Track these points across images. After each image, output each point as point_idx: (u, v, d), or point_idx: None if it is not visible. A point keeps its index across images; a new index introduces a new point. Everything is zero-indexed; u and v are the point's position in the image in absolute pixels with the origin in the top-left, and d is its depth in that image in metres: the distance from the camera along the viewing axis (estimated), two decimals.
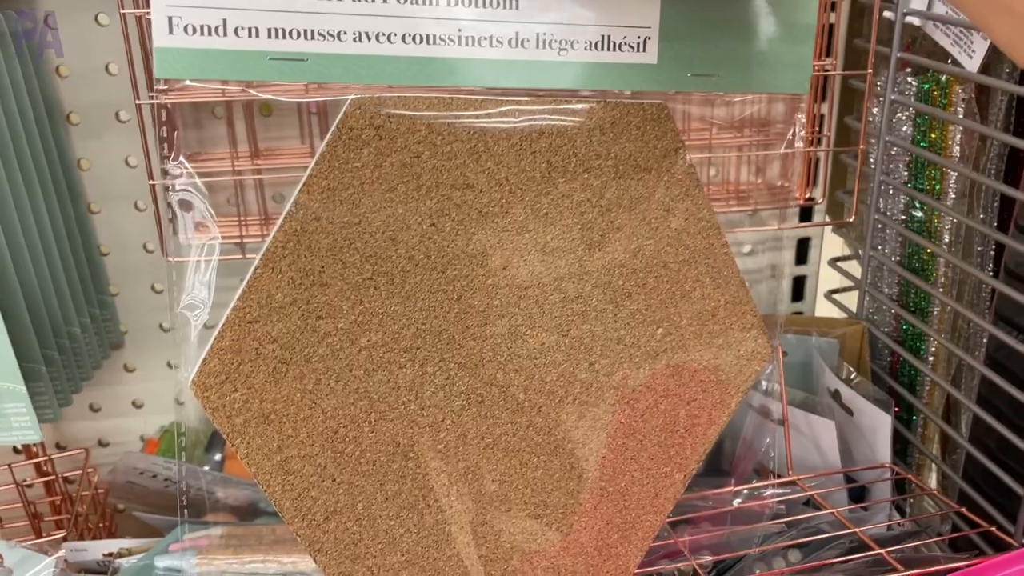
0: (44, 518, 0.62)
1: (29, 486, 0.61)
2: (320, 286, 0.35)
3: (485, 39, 0.34)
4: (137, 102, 0.47)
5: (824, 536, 0.46)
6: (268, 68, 0.32)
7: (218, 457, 0.54)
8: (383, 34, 0.32)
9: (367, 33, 0.32)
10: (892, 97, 0.53)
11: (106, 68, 0.53)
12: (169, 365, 0.62)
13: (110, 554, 0.53)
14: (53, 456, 0.60)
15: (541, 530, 0.40)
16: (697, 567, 0.44)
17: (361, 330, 0.36)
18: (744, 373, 0.41)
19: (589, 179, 0.37)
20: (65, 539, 0.53)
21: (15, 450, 0.63)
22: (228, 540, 0.47)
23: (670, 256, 0.39)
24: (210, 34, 0.31)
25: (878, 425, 0.52)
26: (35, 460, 0.60)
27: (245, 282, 0.34)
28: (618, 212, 0.38)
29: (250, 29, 0.31)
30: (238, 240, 0.56)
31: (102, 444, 0.63)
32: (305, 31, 0.32)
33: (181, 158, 0.36)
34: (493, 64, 0.34)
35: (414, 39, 0.33)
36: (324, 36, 0.32)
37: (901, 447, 0.58)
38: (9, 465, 0.60)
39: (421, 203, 0.35)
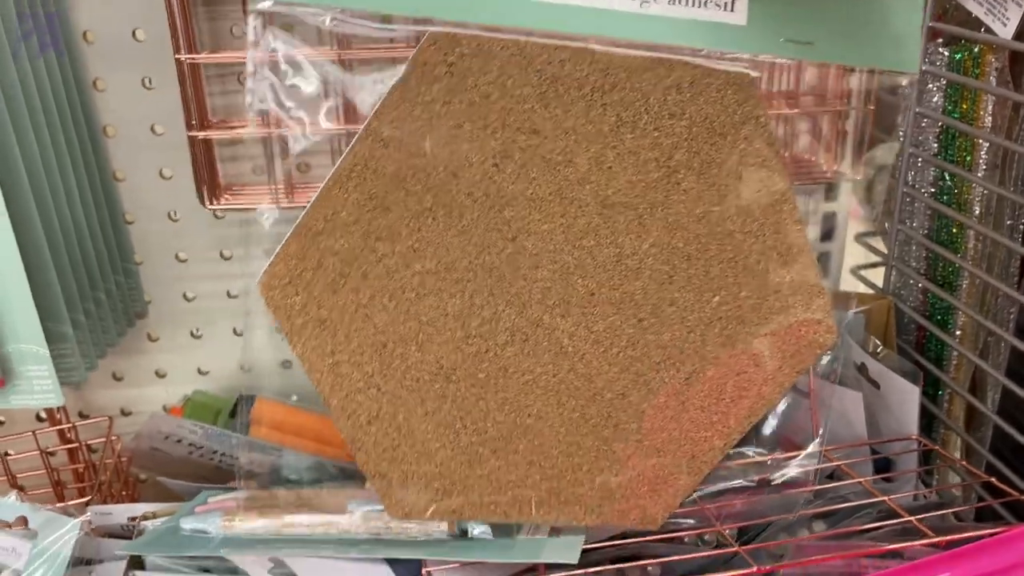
0: (67, 486, 0.63)
1: (52, 454, 0.61)
2: (382, 210, 0.37)
3: None
4: (178, 56, 0.48)
5: (851, 504, 0.46)
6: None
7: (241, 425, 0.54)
8: None
9: None
10: (923, 68, 0.52)
11: (133, 34, 0.53)
12: (192, 335, 0.62)
13: (134, 518, 0.53)
14: (76, 424, 0.60)
15: (571, 468, 0.41)
16: (723, 534, 0.44)
17: (416, 256, 0.37)
18: (802, 354, 0.40)
19: (659, 138, 0.37)
20: (89, 503, 0.53)
21: (38, 418, 0.63)
22: (253, 503, 0.47)
23: (736, 226, 0.38)
24: None
25: (905, 397, 0.51)
26: (59, 427, 0.60)
27: (314, 197, 0.37)
28: (686, 174, 0.37)
29: None
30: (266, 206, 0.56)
31: (124, 413, 0.63)
32: None
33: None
34: (572, 10, 0.34)
35: None
36: None
37: (926, 423, 0.57)
38: (33, 432, 0.60)
39: (486, 143, 0.36)
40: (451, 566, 0.41)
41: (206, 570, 0.46)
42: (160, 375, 0.63)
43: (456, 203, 0.37)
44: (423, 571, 0.41)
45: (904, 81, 0.54)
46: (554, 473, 0.41)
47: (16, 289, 0.45)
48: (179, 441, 0.52)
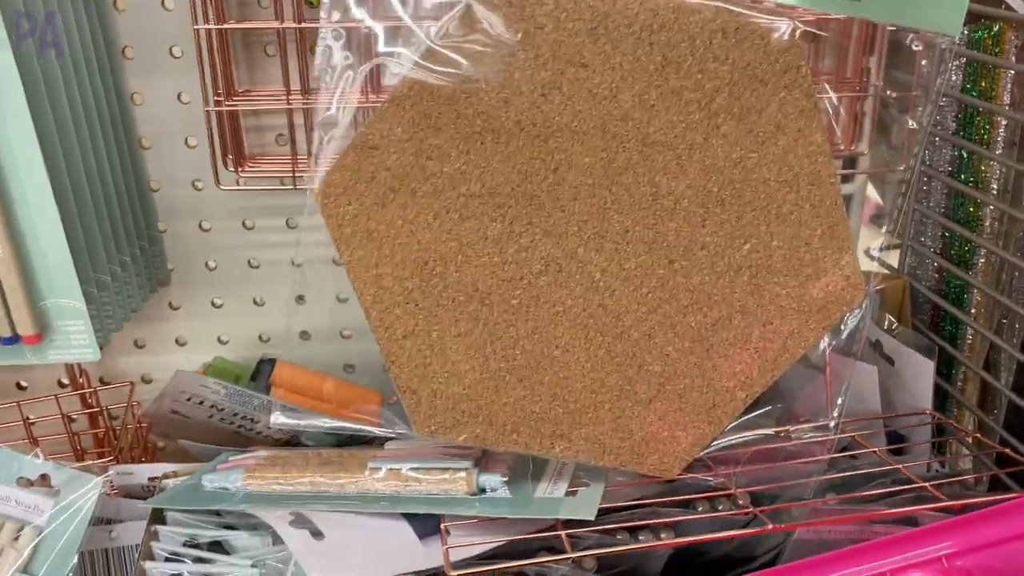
0: (87, 450, 0.64)
1: (72, 419, 0.62)
2: (434, 130, 0.38)
3: None
4: (195, 27, 0.48)
5: (865, 472, 0.46)
6: None
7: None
8: None
9: None
10: (942, 46, 0.52)
11: (162, 3, 0.54)
12: (212, 304, 0.62)
13: (155, 478, 0.54)
14: (98, 389, 0.61)
15: (593, 405, 0.42)
16: (738, 497, 0.44)
17: (463, 178, 0.39)
18: (829, 309, 0.41)
19: (702, 80, 0.38)
20: (111, 463, 0.54)
21: (60, 383, 0.64)
22: (273, 461, 0.48)
23: (771, 174, 0.39)
24: None
25: (920, 372, 0.51)
26: (80, 392, 0.61)
27: (375, 113, 0.38)
28: (726, 118, 0.38)
29: None
30: (287, 175, 0.57)
31: (144, 380, 0.64)
32: None
33: None
34: None
35: None
36: None
37: (940, 403, 0.57)
38: (55, 397, 0.61)
39: (536, 72, 0.37)
40: (469, 522, 0.42)
41: (227, 526, 0.47)
42: (180, 343, 0.63)
43: (504, 129, 0.38)
44: (441, 526, 0.42)
45: (923, 61, 0.54)
46: (576, 408, 0.42)
47: (54, 245, 0.46)
48: (201, 403, 0.52)
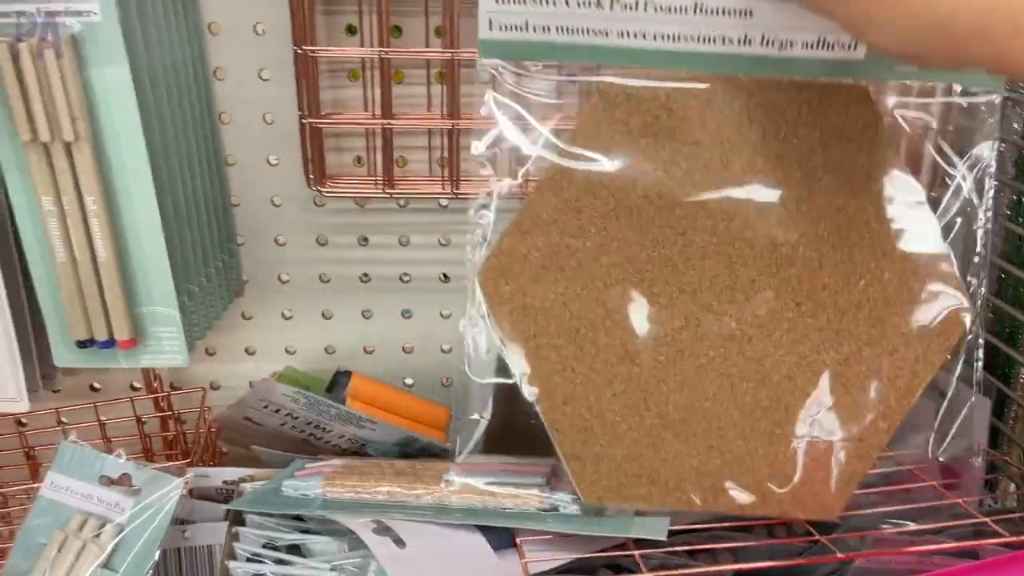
0: (156, 453, 0.66)
1: (144, 422, 0.65)
2: (575, 211, 0.43)
3: (719, 38, 0.41)
4: (296, 48, 0.51)
5: (923, 505, 0.48)
6: (556, 52, 0.42)
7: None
8: (639, 32, 0.41)
9: (627, 31, 0.41)
10: (1005, 94, 0.54)
11: (254, 28, 0.57)
12: (283, 316, 0.65)
13: (230, 481, 0.56)
14: (171, 393, 0.64)
15: (748, 453, 0.44)
16: (803, 524, 0.46)
17: (603, 251, 0.44)
18: (946, 332, 0.44)
19: (798, 144, 0.43)
20: (190, 465, 0.56)
21: (131, 387, 0.66)
22: (350, 469, 0.50)
23: (871, 215, 0.43)
24: (515, 30, 0.42)
25: (975, 407, 0.53)
26: (154, 395, 0.64)
27: (523, 202, 0.44)
28: (823, 173, 0.43)
29: (543, 27, 0.41)
30: (365, 195, 0.59)
31: (213, 387, 0.66)
32: (581, 28, 0.41)
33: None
34: (722, 56, 0.41)
35: (663, 37, 0.41)
36: (594, 32, 0.41)
37: (991, 442, 0.59)
38: (131, 399, 0.63)
39: (657, 154, 0.43)
40: (543, 537, 0.44)
41: (304, 530, 0.49)
42: (249, 352, 0.66)
43: (635, 204, 0.43)
44: (516, 540, 0.44)
45: (983, 100, 0.56)
46: (732, 458, 0.44)
47: (155, 253, 0.49)
48: (277, 410, 0.55)
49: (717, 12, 0.40)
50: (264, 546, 0.48)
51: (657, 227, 0.43)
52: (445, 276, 0.64)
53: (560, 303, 0.44)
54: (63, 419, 0.64)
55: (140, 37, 0.46)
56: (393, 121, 0.56)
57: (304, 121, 0.56)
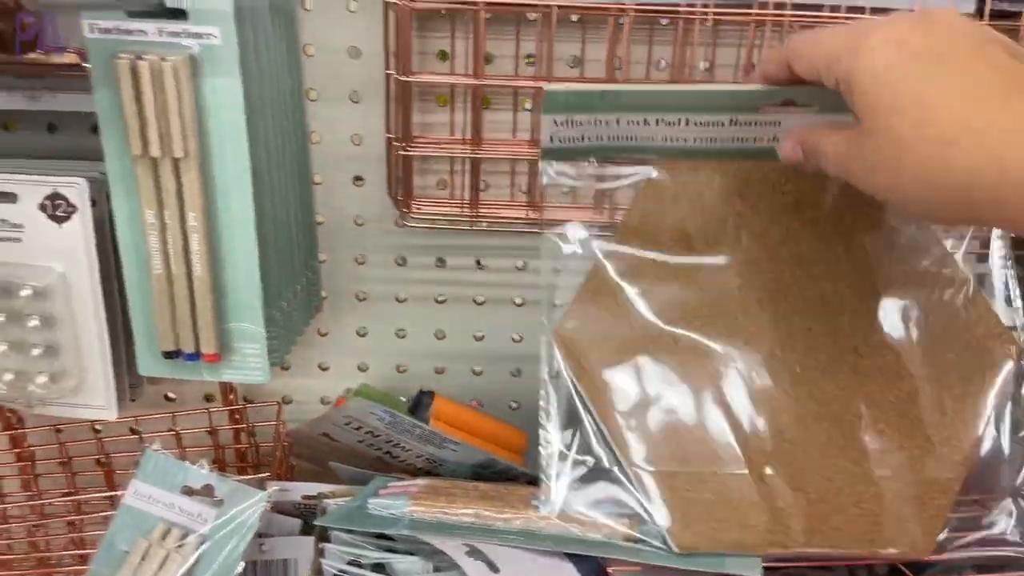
0: (227, 464, 0.67)
1: (211, 432, 0.65)
2: (638, 278, 0.48)
3: (752, 138, 0.45)
4: (393, 74, 0.52)
5: (1009, 554, 0.47)
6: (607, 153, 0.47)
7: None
8: (680, 138, 0.46)
9: (669, 137, 0.46)
10: None
11: (348, 51, 0.58)
12: (357, 333, 0.66)
13: (309, 496, 0.56)
14: (247, 406, 0.65)
15: (832, 492, 0.46)
16: (895, 566, 0.46)
17: (668, 309, 0.48)
18: (996, 367, 0.46)
19: (829, 210, 0.47)
20: (269, 478, 0.57)
21: (206, 398, 0.67)
22: (436, 490, 0.50)
23: (907, 264, 0.47)
24: (571, 142, 0.46)
25: None
26: (231, 408, 0.64)
27: (588, 272, 0.48)
28: (855, 231, 0.47)
29: (596, 136, 0.46)
30: (450, 220, 0.60)
31: (285, 401, 0.67)
32: (629, 135, 0.46)
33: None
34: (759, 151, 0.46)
35: (703, 140, 0.46)
36: (640, 137, 0.46)
37: None
38: (208, 410, 0.64)
39: (706, 223, 0.48)
40: (633, 568, 0.44)
41: (389, 549, 0.49)
42: (323, 368, 0.66)
43: (691, 269, 0.48)
44: (608, 570, 0.44)
45: None
46: (817, 498, 0.46)
47: (247, 270, 0.49)
48: (358, 428, 0.55)
49: (749, 124, 0.44)
50: (349, 563, 0.48)
51: (715, 286, 0.47)
52: (519, 300, 0.65)
53: (631, 356, 0.47)
54: (139, 427, 0.65)
55: (252, 60, 0.47)
56: (483, 151, 0.57)
57: (395, 145, 0.56)
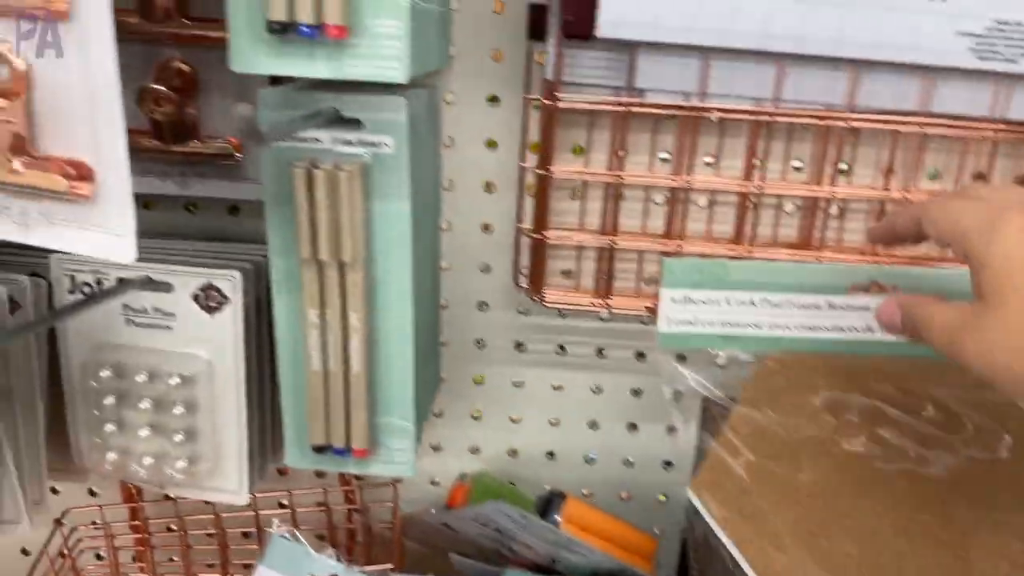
0: (338, 544, 0.67)
1: (325, 509, 0.65)
2: (760, 442, 0.51)
3: (862, 327, 0.50)
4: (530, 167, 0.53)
5: None
6: (736, 343, 0.51)
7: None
8: (788, 325, 0.50)
9: (778, 323, 0.50)
10: None
11: (485, 142, 0.58)
12: (472, 416, 0.65)
13: None
14: (363, 486, 0.65)
15: None
16: None
17: (792, 472, 0.51)
18: None
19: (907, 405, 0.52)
20: (393, 570, 0.57)
21: (317, 474, 0.67)
22: None
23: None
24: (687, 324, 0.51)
25: None
26: (347, 488, 0.64)
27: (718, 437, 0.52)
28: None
29: (707, 322, 0.51)
30: (582, 309, 0.60)
31: (395, 480, 0.67)
32: (740, 322, 0.51)
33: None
34: (861, 343, 0.50)
35: (807, 328, 0.51)
36: (751, 325, 0.51)
37: None
38: (324, 489, 0.64)
39: (814, 413, 0.52)
40: None
41: None
42: (435, 448, 0.66)
43: (798, 445, 0.51)
44: None
45: None
46: None
47: (403, 368, 0.50)
48: (485, 524, 0.55)
49: (845, 307, 0.49)
50: None
51: (822, 462, 0.50)
52: (637, 391, 0.64)
53: (763, 513, 0.50)
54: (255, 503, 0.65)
55: (417, 164, 0.48)
56: (619, 241, 0.58)
57: (529, 234, 0.57)
